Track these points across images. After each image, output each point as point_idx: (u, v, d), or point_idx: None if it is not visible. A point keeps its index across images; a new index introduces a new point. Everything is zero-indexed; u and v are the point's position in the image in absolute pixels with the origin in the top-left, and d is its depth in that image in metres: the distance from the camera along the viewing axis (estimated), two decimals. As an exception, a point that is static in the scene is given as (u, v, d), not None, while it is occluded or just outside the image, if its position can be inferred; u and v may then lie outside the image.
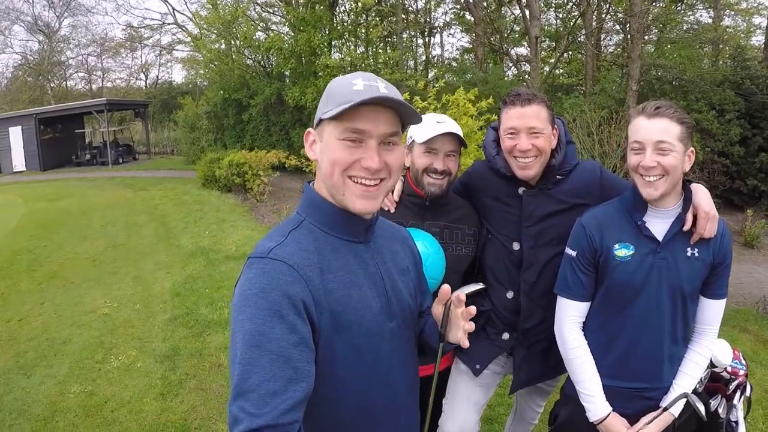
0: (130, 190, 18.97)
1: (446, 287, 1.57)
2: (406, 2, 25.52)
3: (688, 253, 2.15)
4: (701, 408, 2.12)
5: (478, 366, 2.65)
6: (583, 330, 2.37)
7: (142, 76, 48.98)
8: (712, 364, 3.28)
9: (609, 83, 15.48)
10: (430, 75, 23.12)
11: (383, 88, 1.39)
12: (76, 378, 5.56)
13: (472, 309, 1.55)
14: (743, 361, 3.37)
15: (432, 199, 2.49)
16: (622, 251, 2.19)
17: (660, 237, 2.16)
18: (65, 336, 6.67)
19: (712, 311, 2.25)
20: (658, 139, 2.04)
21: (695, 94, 13.30)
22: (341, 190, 1.44)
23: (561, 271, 2.37)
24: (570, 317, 2.35)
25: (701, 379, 3.15)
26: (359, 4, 20.51)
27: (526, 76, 17.36)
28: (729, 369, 3.22)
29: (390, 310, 1.55)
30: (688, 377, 2.28)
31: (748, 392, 3.33)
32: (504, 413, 4.43)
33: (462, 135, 2.45)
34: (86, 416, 4.84)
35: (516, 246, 2.53)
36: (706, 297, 2.24)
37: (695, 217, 2.13)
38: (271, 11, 26.19)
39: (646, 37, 17.33)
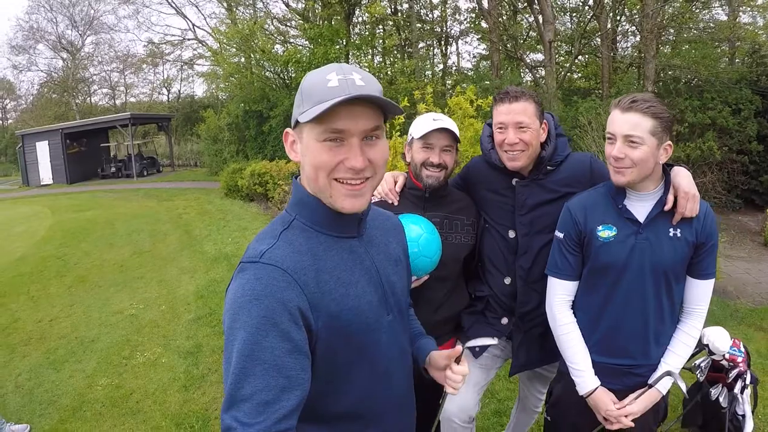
0: (155, 201, 19.33)
1: (458, 349, 1.68)
2: (422, 12, 25.73)
3: (671, 234, 2.23)
4: (683, 386, 2.20)
5: (477, 348, 2.81)
6: (572, 309, 2.49)
7: (165, 90, 49.83)
8: (710, 352, 3.36)
9: (625, 85, 15.39)
10: (447, 83, 23.19)
11: (359, 80, 1.34)
12: (104, 372, 5.84)
13: (465, 369, 1.67)
14: (742, 349, 3.44)
15: (431, 191, 2.67)
16: (605, 232, 2.30)
17: (642, 219, 2.26)
18: (93, 335, 6.96)
19: (699, 291, 2.32)
20: (627, 132, 2.14)
21: (711, 93, 13.19)
22: (327, 192, 1.40)
23: (551, 253, 2.51)
24: (559, 296, 2.47)
25: (701, 367, 3.24)
26: (372, 14, 20.69)
27: (542, 82, 17.36)
28: (727, 356, 3.30)
29: (387, 303, 1.54)
30: (676, 356, 2.34)
31: (748, 381, 3.39)
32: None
33: (457, 132, 2.63)
34: (112, 406, 5.10)
35: (511, 234, 2.69)
36: (693, 277, 2.31)
37: (677, 198, 2.22)
38: (288, 25, 26.58)
39: (662, 38, 17.22)
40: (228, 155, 24.04)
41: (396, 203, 2.70)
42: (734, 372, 3.35)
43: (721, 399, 3.36)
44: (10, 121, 55.70)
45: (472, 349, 2.80)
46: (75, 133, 30.89)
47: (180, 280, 9.08)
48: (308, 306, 1.32)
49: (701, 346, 3.33)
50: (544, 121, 2.61)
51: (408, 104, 6.86)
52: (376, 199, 2.72)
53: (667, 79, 15.74)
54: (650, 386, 2.29)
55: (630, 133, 2.13)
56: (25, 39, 46.44)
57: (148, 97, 50.14)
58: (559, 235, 2.44)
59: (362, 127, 1.35)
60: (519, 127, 2.48)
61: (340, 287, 1.41)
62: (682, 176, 2.26)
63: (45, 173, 30.82)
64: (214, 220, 14.44)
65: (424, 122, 2.58)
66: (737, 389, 3.33)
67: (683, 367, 2.43)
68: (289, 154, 1.48)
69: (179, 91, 48.99)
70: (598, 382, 2.38)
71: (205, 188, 21.87)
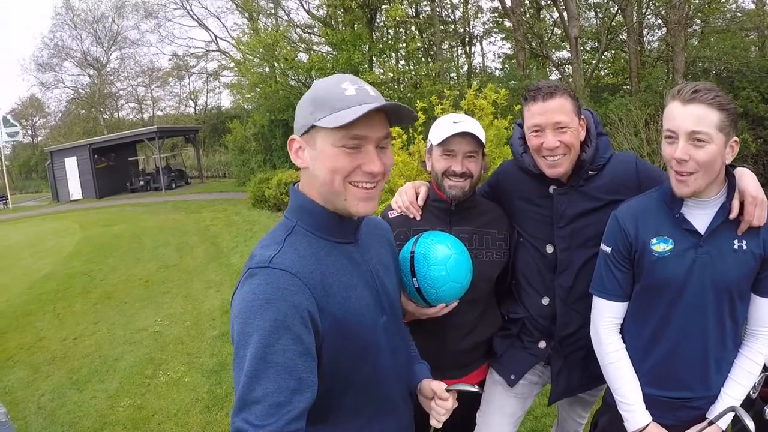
0: (182, 213, 19.50)
1: (438, 386, 1.71)
2: (443, 13, 25.56)
3: (735, 246, 1.92)
4: (750, 424, 1.89)
5: (513, 376, 2.48)
6: (620, 333, 2.19)
7: (191, 102, 50.51)
8: (766, 368, 3.06)
9: (654, 79, 15.00)
10: (473, 83, 22.99)
11: (371, 91, 1.41)
12: (126, 392, 5.72)
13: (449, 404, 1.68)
14: (800, 367, 3.13)
15: (457, 203, 2.36)
16: (660, 246, 1.99)
17: (702, 230, 1.94)
18: (117, 353, 6.86)
19: (765, 311, 2.01)
20: (692, 128, 1.80)
21: (742, 83, 12.79)
22: (342, 195, 1.43)
23: (596, 269, 2.20)
24: (606, 319, 2.17)
25: (755, 384, 2.94)
26: (394, 18, 20.57)
27: (569, 79, 17.05)
28: None
29: (380, 305, 1.58)
30: (738, 385, 2.05)
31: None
32: (550, 424, 4.31)
33: (482, 134, 2.30)
34: (134, 428, 4.97)
35: (549, 249, 2.37)
36: (758, 295, 2.00)
37: (742, 205, 1.91)
38: (311, 32, 26.61)
39: (690, 29, 16.83)
40: (255, 165, 24.17)
41: (418, 218, 2.39)
42: (791, 390, 3.05)
43: (774, 418, 3.06)
44: (39, 138, 57.16)
45: (506, 377, 2.48)
46: (103, 148, 31.44)
47: (206, 295, 8.98)
48: (317, 309, 1.35)
49: None
50: (582, 117, 2.28)
51: (425, 108, 6.64)
52: (396, 214, 2.43)
53: (697, 71, 15.34)
54: (710, 422, 1.98)
55: (695, 128, 1.79)
56: (50, 56, 47.75)
57: (175, 110, 51.00)
58: (606, 249, 2.13)
59: (378, 134, 1.42)
60: (558, 127, 2.15)
61: (342, 290, 1.44)
62: (748, 178, 1.95)
63: (74, 188, 31.38)
64: (241, 231, 14.43)
65: (444, 126, 2.26)
66: (790, 409, 3.02)
67: None
68: (294, 161, 1.50)
69: (206, 102, 49.58)
70: (650, 418, 2.09)
71: (233, 199, 22.01)
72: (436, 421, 1.68)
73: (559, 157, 2.18)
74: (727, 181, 1.94)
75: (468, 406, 2.48)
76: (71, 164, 31.18)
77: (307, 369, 1.28)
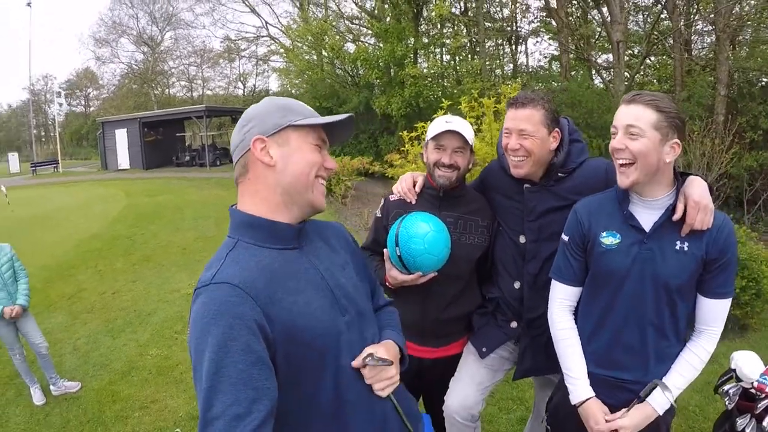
0: (224, 190, 19.88)
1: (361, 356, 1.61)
2: (491, 11, 25.49)
3: (677, 246, 2.07)
4: (671, 398, 2.10)
5: (484, 349, 2.79)
6: (574, 315, 2.40)
7: (240, 84, 51.24)
8: (738, 379, 3.17)
9: (698, 88, 14.75)
10: (517, 81, 22.91)
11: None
12: (155, 343, 6.26)
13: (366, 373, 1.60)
14: (774, 379, 3.18)
15: (445, 191, 2.70)
16: (608, 239, 2.18)
17: (647, 227, 2.11)
18: (151, 309, 7.42)
19: (710, 311, 2.14)
20: (627, 123, 2.03)
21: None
22: (311, 188, 1.58)
23: (556, 256, 2.43)
24: (559, 300, 2.39)
25: (730, 394, 3.06)
26: (439, 14, 20.64)
27: (610, 84, 16.94)
28: (756, 384, 3.09)
29: (339, 305, 1.58)
30: (678, 375, 2.17)
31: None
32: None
33: (470, 134, 2.67)
34: (158, 374, 5.49)
35: (522, 239, 2.66)
36: (703, 295, 2.14)
37: (687, 209, 2.06)
38: (358, 23, 26.85)
39: (738, 38, 16.43)
40: (297, 149, 24.40)
41: (413, 202, 2.77)
42: (764, 402, 3.12)
43: (748, 431, 3.14)
44: (92, 108, 58.56)
45: (479, 349, 2.80)
46: (152, 123, 32.10)
47: (239, 265, 9.38)
48: (263, 317, 1.36)
49: (729, 371, 3.18)
50: (556, 128, 2.55)
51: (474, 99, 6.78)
52: (396, 197, 2.81)
53: (741, 83, 15.05)
54: (640, 399, 2.15)
55: (630, 122, 2.02)
56: (107, 33, 49.01)
57: (224, 91, 51.64)
58: (565, 238, 2.36)
59: (330, 141, 1.69)
60: (522, 134, 2.46)
61: (289, 296, 1.46)
62: (696, 185, 2.09)
63: (122, 158, 32.15)
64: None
65: (437, 124, 2.63)
66: (766, 422, 3.10)
67: (716, 392, 2.24)
68: (261, 158, 1.54)
69: (254, 85, 50.15)
70: (592, 393, 2.26)
71: (273, 179, 22.29)
72: (376, 389, 1.64)
73: (520, 158, 2.49)
74: (676, 185, 2.11)
75: (445, 374, 2.84)
76: (121, 135, 31.94)
77: (262, 377, 1.30)
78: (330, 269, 1.64)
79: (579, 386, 2.27)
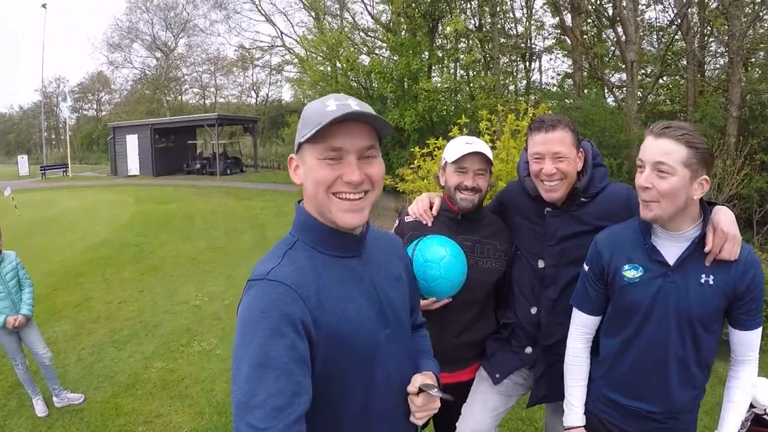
0: (234, 199, 20.00)
1: (415, 379, 1.65)
2: (506, 27, 25.49)
3: (702, 280, 2.01)
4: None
5: (498, 375, 2.72)
6: (593, 344, 2.39)
7: (253, 93, 51.62)
8: (751, 405, 3.11)
9: (711, 109, 14.67)
10: (531, 98, 22.89)
11: (355, 105, 1.43)
12: (161, 356, 6.17)
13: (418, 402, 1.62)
14: (787, 405, 3.13)
15: (464, 213, 2.64)
16: (630, 272, 2.13)
17: (672, 261, 2.05)
18: (157, 320, 7.35)
19: (744, 341, 2.11)
20: (657, 159, 1.94)
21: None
22: (328, 207, 1.47)
23: (578, 283, 2.40)
24: (576, 327, 2.39)
25: (743, 421, 3.03)
26: (454, 29, 20.69)
27: (623, 103, 16.86)
28: None
29: (384, 317, 1.59)
30: (735, 405, 2.14)
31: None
32: None
33: (491, 155, 2.60)
34: (163, 388, 5.40)
35: (541, 264, 2.59)
36: (735, 328, 2.11)
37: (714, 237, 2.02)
38: (373, 36, 26.92)
39: (752, 60, 16.36)
40: (310, 160, 24.43)
41: (430, 224, 2.70)
42: (777, 430, 3.08)
43: (760, 457, 3.08)
44: (104, 113, 58.93)
45: (492, 375, 2.73)
46: (164, 129, 32.35)
47: (248, 277, 9.30)
48: (310, 319, 1.37)
49: None
50: (581, 149, 2.50)
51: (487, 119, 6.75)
52: (411, 219, 2.73)
53: (753, 105, 14.95)
54: None
55: (660, 159, 1.93)
56: (121, 37, 49.40)
57: (237, 99, 52.12)
58: (585, 267, 2.32)
59: (358, 144, 1.44)
60: (556, 157, 2.39)
61: (340, 303, 1.46)
62: (723, 214, 2.05)
63: (133, 164, 32.36)
64: (289, 222, 14.51)
65: (458, 146, 2.56)
66: (780, 450, 3.04)
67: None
68: (293, 178, 1.56)
69: (267, 95, 50.69)
70: (583, 422, 2.32)
71: (285, 191, 22.48)
72: (416, 418, 1.66)
73: (555, 182, 2.41)
74: (703, 217, 2.04)
75: (456, 398, 2.74)
76: (132, 141, 32.14)
77: (302, 374, 1.31)
78: (383, 281, 1.63)
79: (574, 413, 2.34)
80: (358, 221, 1.49)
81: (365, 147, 1.46)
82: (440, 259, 2.36)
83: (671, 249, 2.06)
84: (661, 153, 1.93)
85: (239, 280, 9.15)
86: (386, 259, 1.72)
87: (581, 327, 2.37)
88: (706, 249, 1.99)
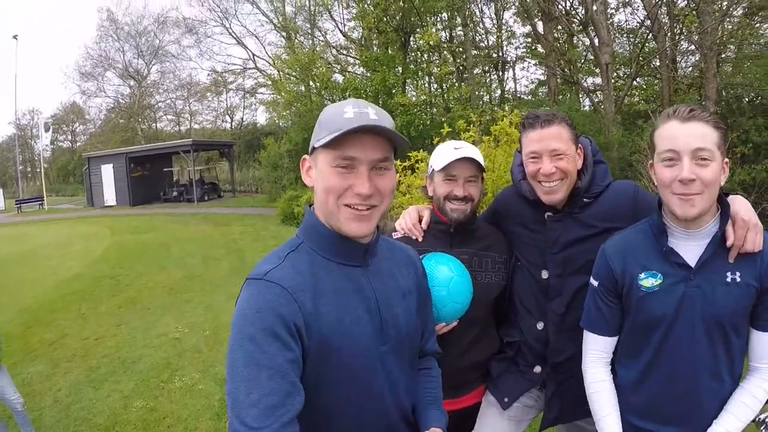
0: (211, 226, 19.76)
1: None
2: (477, 38, 25.59)
3: (728, 278, 1.80)
4: None
5: (506, 399, 2.47)
6: (614, 363, 2.13)
7: (228, 118, 51.24)
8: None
9: (686, 107, 14.79)
10: (505, 108, 22.98)
11: (373, 114, 1.42)
12: (141, 394, 5.84)
13: None
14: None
15: (456, 225, 2.39)
16: (648, 281, 1.90)
17: (692, 262, 1.83)
18: (136, 356, 7.01)
19: (764, 345, 1.87)
20: (697, 146, 1.71)
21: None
22: (336, 216, 1.45)
23: (586, 302, 2.14)
24: (592, 352, 2.12)
25: (766, 423, 2.85)
26: (427, 42, 20.77)
27: (600, 106, 16.89)
28: None
29: (384, 333, 1.54)
30: (732, 417, 1.88)
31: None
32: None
33: (482, 160, 2.36)
34: (144, 429, 5.08)
35: (545, 275, 2.37)
36: (757, 329, 1.87)
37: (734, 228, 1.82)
38: (345, 53, 26.91)
39: (723, 55, 16.47)
40: (287, 182, 24.36)
41: (420, 239, 2.44)
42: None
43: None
44: (79, 143, 58.46)
45: (500, 399, 2.47)
46: (139, 158, 32.08)
47: (227, 306, 9.04)
48: (303, 323, 1.36)
49: None
50: (579, 146, 2.28)
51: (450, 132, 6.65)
52: (399, 235, 2.47)
53: (730, 99, 15.01)
54: None
55: (700, 145, 1.71)
56: (93, 66, 49.16)
57: (211, 124, 51.85)
58: (594, 282, 2.07)
59: (371, 156, 1.42)
60: (555, 155, 2.17)
61: (335, 312, 1.43)
62: (739, 203, 1.86)
63: (109, 195, 32.06)
64: (268, 247, 14.53)
65: (445, 152, 2.32)
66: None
67: (752, 421, 2.01)
68: (304, 179, 1.56)
69: (242, 118, 50.31)
70: None
71: (263, 215, 22.28)
72: None
73: (555, 183, 2.19)
74: (720, 210, 1.85)
75: (463, 427, 2.51)
76: (107, 171, 31.88)
77: (296, 374, 1.31)
78: (387, 295, 1.59)
79: None
80: (364, 230, 1.48)
81: (378, 159, 1.44)
82: (447, 281, 2.11)
83: (690, 249, 1.85)
84: (698, 138, 1.72)
85: (218, 309, 8.95)
86: (396, 272, 1.68)
87: (598, 351, 2.11)
88: (728, 243, 1.79)
